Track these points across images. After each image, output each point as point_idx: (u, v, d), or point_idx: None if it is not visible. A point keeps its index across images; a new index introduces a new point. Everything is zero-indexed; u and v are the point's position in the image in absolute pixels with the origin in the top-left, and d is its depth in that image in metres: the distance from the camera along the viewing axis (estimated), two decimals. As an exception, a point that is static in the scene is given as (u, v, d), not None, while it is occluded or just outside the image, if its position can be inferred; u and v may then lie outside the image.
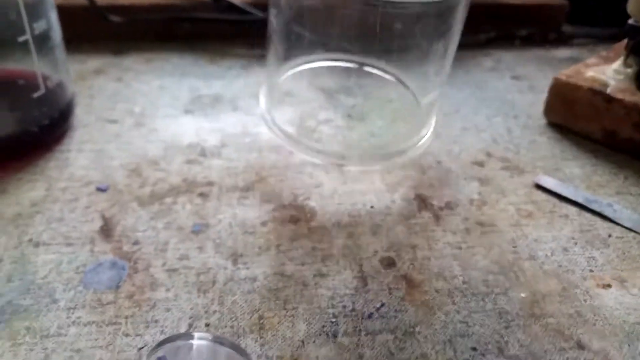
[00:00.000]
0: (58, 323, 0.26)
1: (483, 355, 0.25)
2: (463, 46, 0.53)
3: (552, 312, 0.27)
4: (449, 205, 0.34)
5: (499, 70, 0.51)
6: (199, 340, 0.21)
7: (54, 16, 0.37)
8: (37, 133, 0.37)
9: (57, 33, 0.38)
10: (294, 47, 0.40)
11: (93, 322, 0.26)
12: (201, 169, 0.36)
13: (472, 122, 0.42)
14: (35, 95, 0.36)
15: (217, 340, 0.21)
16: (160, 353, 0.21)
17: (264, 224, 0.32)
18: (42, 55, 0.36)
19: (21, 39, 0.35)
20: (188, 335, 0.21)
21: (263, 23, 0.52)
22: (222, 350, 0.21)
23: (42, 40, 0.36)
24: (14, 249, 0.30)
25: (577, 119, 0.40)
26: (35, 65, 0.36)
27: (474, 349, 0.25)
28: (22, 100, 0.37)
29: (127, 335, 0.25)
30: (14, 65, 0.36)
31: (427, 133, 0.39)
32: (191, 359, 0.21)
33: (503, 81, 0.49)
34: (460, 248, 0.31)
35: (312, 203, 0.34)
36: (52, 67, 0.38)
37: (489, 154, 0.39)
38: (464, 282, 0.29)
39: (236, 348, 0.21)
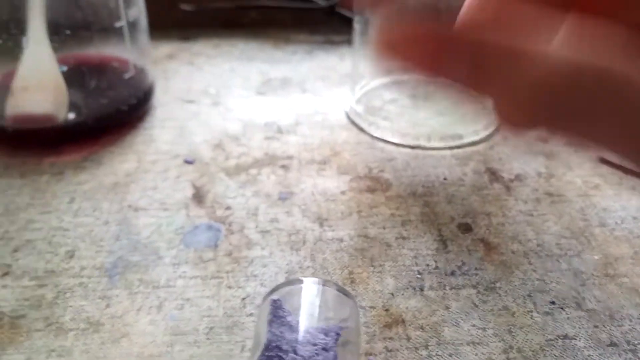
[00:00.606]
0: (166, 276, 0.29)
1: (562, 308, 0.26)
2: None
3: (625, 272, 0.29)
4: (518, 178, 0.35)
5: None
6: (309, 284, 0.23)
7: (142, 4, 0.40)
8: (126, 111, 0.40)
9: (144, 20, 0.41)
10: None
11: (197, 276, 0.29)
12: (280, 144, 0.39)
13: (533, 102, 0.44)
14: (126, 76, 0.40)
15: (325, 284, 0.23)
16: (275, 296, 0.23)
17: (343, 193, 0.34)
18: (132, 39, 0.39)
19: (118, 24, 0.38)
20: (298, 281, 0.24)
21: (323, 11, 0.55)
22: (330, 292, 0.23)
23: (133, 26, 0.39)
24: (116, 213, 0.33)
25: None
26: (127, 49, 0.39)
27: (553, 302, 0.27)
28: (116, 80, 0.40)
29: (230, 287, 0.28)
30: (109, 48, 0.39)
31: (493, 117, 0.41)
32: (302, 300, 0.23)
33: (560, 64, 0.50)
34: (532, 215, 0.32)
35: (386, 175, 0.36)
36: (138, 51, 0.41)
37: (552, 131, 0.40)
38: (538, 245, 0.30)
39: (342, 290, 0.23)
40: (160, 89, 0.46)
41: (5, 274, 0.29)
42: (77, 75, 0.38)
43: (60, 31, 0.36)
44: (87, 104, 0.39)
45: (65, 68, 0.36)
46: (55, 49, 0.36)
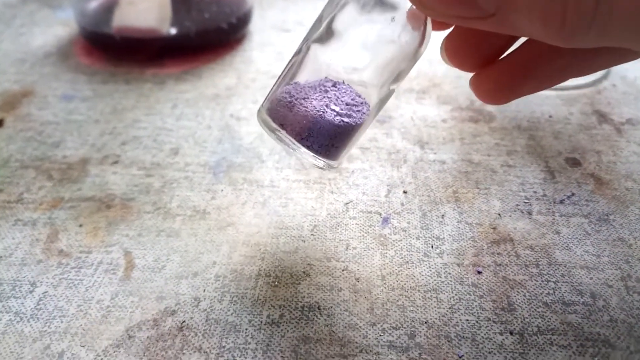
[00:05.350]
0: (270, 177, 0.29)
1: (683, 245, 0.25)
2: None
3: None
4: (630, 122, 0.34)
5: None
6: None
7: None
8: (226, 30, 0.40)
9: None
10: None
11: (300, 180, 0.29)
12: (377, 72, 0.38)
13: (644, 56, 0.41)
14: (230, -7, 0.40)
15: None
16: None
17: (444, 121, 0.33)
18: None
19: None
20: None
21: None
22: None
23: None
24: (219, 120, 0.33)
25: None
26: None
27: (673, 239, 0.25)
28: (219, -3, 0.40)
29: (332, 192, 0.28)
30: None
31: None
32: None
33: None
34: (646, 158, 0.31)
35: (489, 108, 0.35)
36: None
37: (666, 83, 0.38)
38: (654, 186, 0.29)
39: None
40: (257, 18, 0.46)
41: (115, 162, 0.30)
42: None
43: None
44: (190, 19, 0.39)
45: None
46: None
